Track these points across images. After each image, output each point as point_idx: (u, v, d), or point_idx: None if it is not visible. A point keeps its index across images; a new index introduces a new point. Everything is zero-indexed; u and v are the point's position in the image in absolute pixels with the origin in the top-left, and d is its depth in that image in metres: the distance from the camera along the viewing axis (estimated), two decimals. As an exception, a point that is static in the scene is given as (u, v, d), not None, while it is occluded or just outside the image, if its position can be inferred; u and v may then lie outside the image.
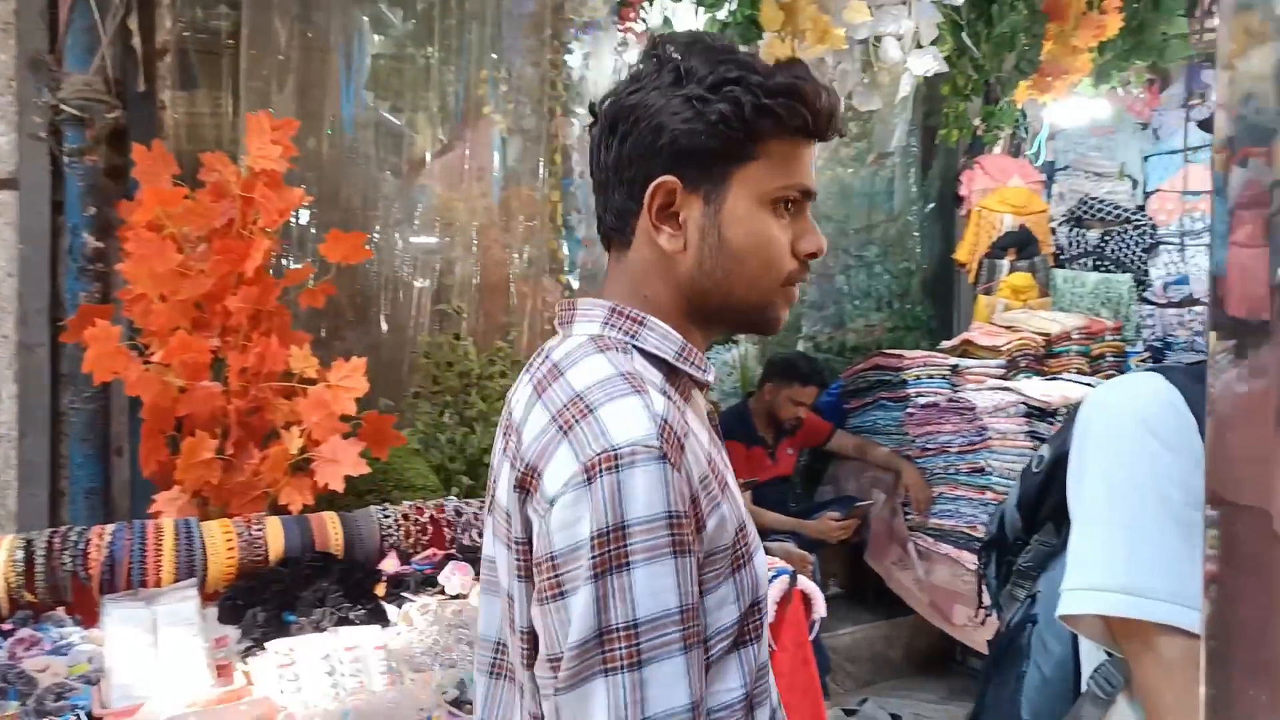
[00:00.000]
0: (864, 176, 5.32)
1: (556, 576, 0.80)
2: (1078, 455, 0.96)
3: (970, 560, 3.51)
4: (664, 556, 0.78)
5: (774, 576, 2.11)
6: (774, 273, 0.94)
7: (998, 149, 4.90)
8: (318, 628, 1.94)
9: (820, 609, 2.24)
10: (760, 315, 0.97)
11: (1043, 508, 1.13)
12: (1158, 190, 5.01)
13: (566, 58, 4.04)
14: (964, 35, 3.32)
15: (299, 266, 2.93)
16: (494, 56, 3.72)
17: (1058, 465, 1.09)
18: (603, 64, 4.30)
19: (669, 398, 0.87)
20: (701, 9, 3.01)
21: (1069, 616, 0.91)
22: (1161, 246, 4.85)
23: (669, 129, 0.90)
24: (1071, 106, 4.51)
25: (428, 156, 3.56)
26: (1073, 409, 1.09)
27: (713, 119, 0.89)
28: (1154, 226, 4.85)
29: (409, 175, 3.59)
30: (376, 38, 3.58)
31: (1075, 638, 1.06)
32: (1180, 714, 0.83)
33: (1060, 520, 1.10)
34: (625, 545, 0.77)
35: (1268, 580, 0.46)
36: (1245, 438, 0.47)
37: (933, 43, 3.14)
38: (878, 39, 3.02)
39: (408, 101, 3.62)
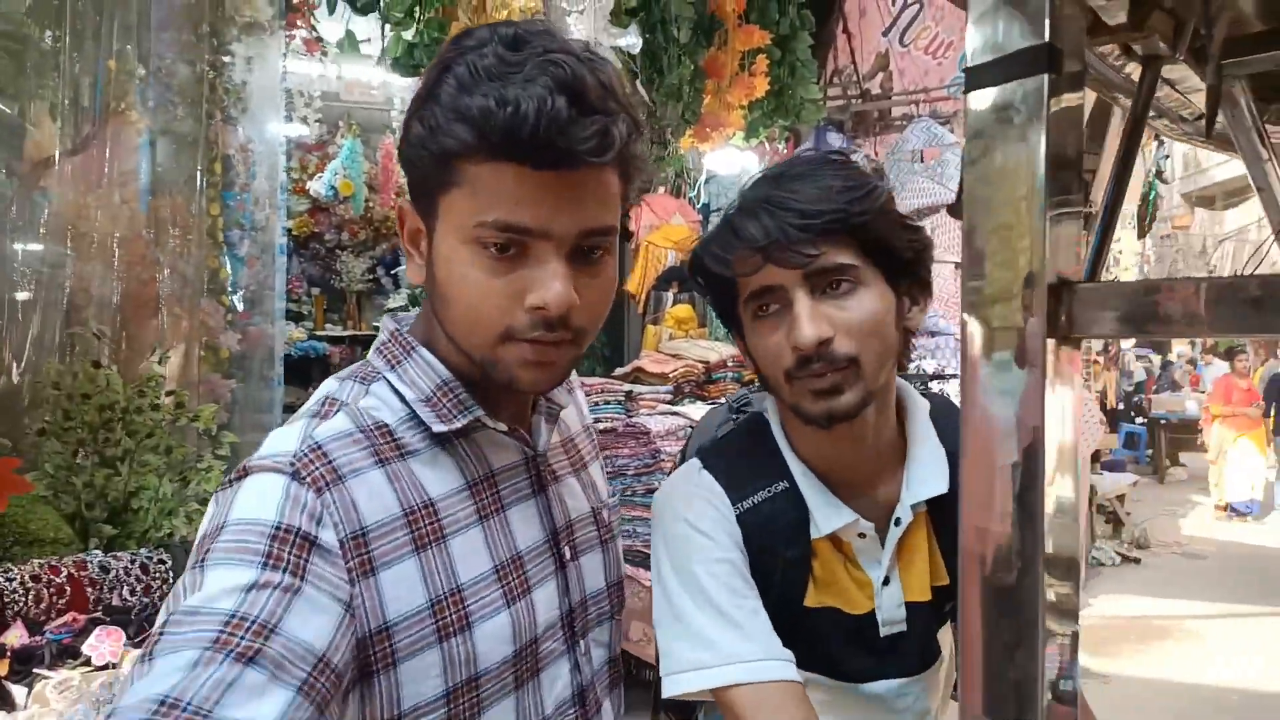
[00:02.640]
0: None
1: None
2: (652, 551, 1.07)
3: (645, 578, 3.69)
4: (246, 565, 0.68)
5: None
6: (485, 326, 0.79)
7: (661, 190, 5.26)
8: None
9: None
10: (492, 370, 0.81)
11: None
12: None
13: (227, 60, 3.72)
14: (639, 83, 3.52)
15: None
16: (130, 47, 3.31)
17: None
18: (268, 69, 4.01)
19: (372, 430, 0.81)
20: (388, 26, 2.90)
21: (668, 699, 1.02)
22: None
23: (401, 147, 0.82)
24: (725, 156, 4.96)
25: (56, 155, 3.06)
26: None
27: (412, 136, 0.78)
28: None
29: (30, 176, 3.06)
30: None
31: None
32: None
33: None
34: (215, 543, 0.70)
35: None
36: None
37: (613, 86, 3.29)
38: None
39: (24, 89, 3.09)
